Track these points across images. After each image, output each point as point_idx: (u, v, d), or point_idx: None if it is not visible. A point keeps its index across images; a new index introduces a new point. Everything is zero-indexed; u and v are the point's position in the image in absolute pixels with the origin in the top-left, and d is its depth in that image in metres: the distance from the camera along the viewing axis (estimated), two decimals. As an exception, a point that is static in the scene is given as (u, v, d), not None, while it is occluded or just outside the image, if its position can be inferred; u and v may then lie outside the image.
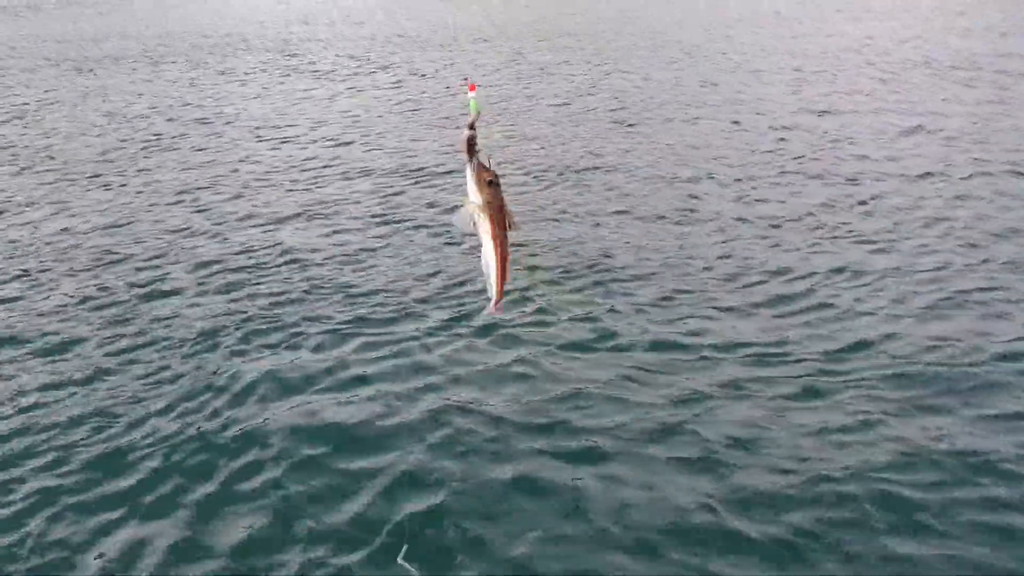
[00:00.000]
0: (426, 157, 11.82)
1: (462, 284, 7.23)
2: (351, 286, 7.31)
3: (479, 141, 3.09)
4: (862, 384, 5.40)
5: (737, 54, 19.76)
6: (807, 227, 8.27)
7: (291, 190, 10.52)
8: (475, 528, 4.29)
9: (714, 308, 6.60)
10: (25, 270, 8.05)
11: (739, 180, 9.97)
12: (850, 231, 8.10)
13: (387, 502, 4.50)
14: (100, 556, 4.23)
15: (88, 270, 8.00)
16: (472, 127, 3.08)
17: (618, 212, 9.07)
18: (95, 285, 7.61)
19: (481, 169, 3.09)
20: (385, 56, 22.74)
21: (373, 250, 8.20)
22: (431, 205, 9.58)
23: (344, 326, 6.53)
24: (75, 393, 5.74)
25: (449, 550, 4.16)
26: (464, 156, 3.10)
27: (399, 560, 4.09)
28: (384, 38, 26.86)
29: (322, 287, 7.34)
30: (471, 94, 3.09)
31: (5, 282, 7.77)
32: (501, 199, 3.14)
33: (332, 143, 13.00)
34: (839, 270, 7.16)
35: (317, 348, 6.21)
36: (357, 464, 4.82)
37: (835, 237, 7.95)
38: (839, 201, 8.99)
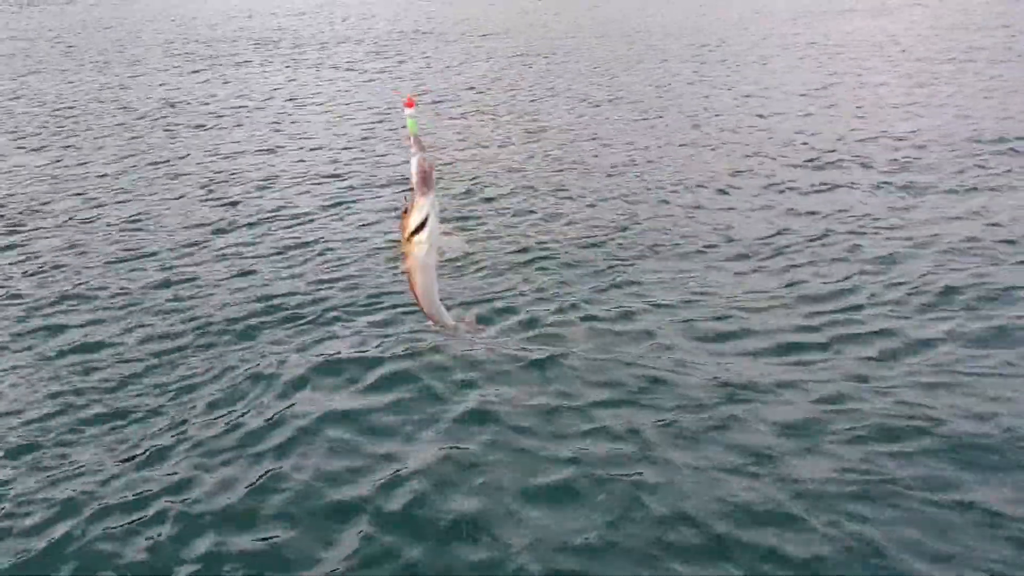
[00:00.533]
0: (450, 151, 11.75)
1: (495, 280, 7.15)
2: (379, 285, 7.19)
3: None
4: (917, 383, 5.31)
5: (756, 51, 19.65)
6: (848, 225, 8.19)
7: (316, 184, 10.43)
8: (531, 526, 4.20)
9: (754, 305, 6.51)
10: (53, 265, 7.96)
11: (773, 176, 9.88)
12: (892, 227, 8.02)
13: (437, 500, 4.41)
14: (134, 553, 4.16)
15: (114, 265, 7.88)
16: (417, 146, 2.63)
17: (649, 208, 8.99)
18: (121, 280, 7.50)
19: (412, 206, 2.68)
20: (400, 51, 22.65)
21: (398, 242, 8.10)
22: (462, 199, 9.51)
23: (374, 327, 6.39)
24: (102, 389, 5.63)
25: (506, 549, 4.07)
26: (417, 184, 2.67)
27: None
28: (397, 33, 26.76)
29: (349, 281, 7.26)
30: (408, 111, 2.62)
31: (33, 276, 7.67)
32: (411, 261, 2.76)
33: (355, 137, 12.92)
34: (884, 268, 7.07)
35: (348, 347, 6.08)
36: (399, 463, 4.71)
37: (877, 232, 7.86)
38: (880, 197, 8.90)
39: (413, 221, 2.67)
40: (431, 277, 2.82)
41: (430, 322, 3.06)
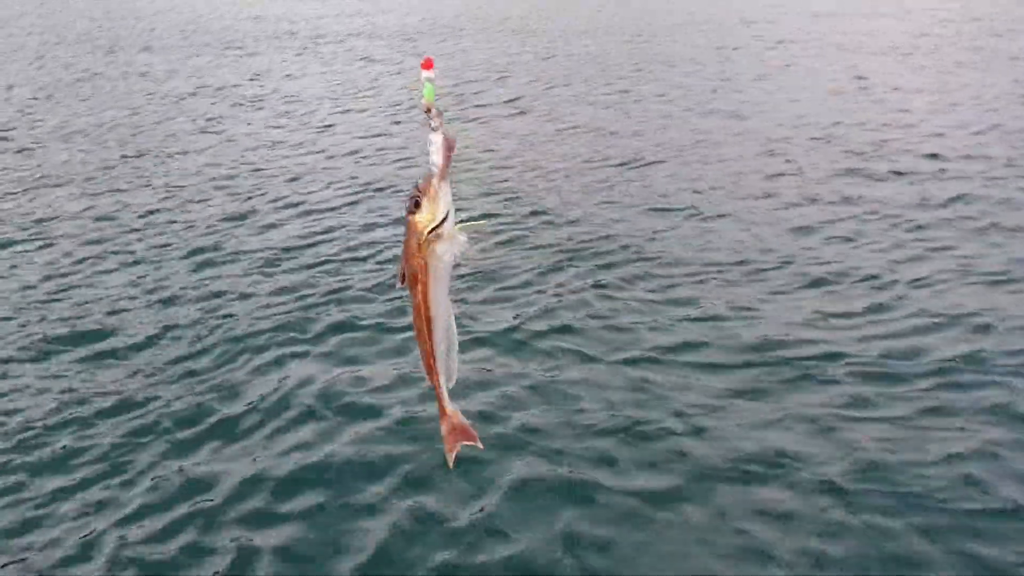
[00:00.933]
0: (472, 148, 11.57)
1: (530, 282, 6.96)
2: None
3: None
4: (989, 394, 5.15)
5: (781, 52, 19.43)
6: (888, 225, 8.00)
7: (336, 176, 10.25)
8: (565, 528, 4.07)
9: (791, 308, 6.33)
10: (73, 258, 7.76)
11: (809, 178, 9.67)
12: (934, 229, 7.82)
13: (470, 503, 4.26)
14: (164, 556, 4.00)
15: (136, 258, 7.69)
16: (430, 114, 2.02)
17: (682, 207, 8.78)
18: (144, 273, 7.32)
19: (419, 191, 2.05)
20: (416, 45, 22.48)
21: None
22: (484, 198, 9.34)
23: (401, 321, 6.19)
24: (124, 387, 5.45)
25: (538, 550, 3.95)
26: (437, 162, 2.04)
27: None
28: (411, 28, 26.58)
29: (375, 273, 7.09)
30: (426, 73, 2.08)
31: (58, 272, 7.47)
32: (418, 248, 2.08)
33: (378, 129, 12.75)
34: (935, 275, 6.87)
35: (376, 343, 5.90)
36: (429, 465, 4.56)
37: (922, 238, 7.67)
38: (922, 198, 8.69)
39: (439, 212, 2.05)
40: (447, 289, 2.17)
41: (427, 363, 2.21)
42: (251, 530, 4.16)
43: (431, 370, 2.20)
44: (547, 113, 13.60)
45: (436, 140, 2.03)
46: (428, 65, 2.08)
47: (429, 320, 2.16)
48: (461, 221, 2.13)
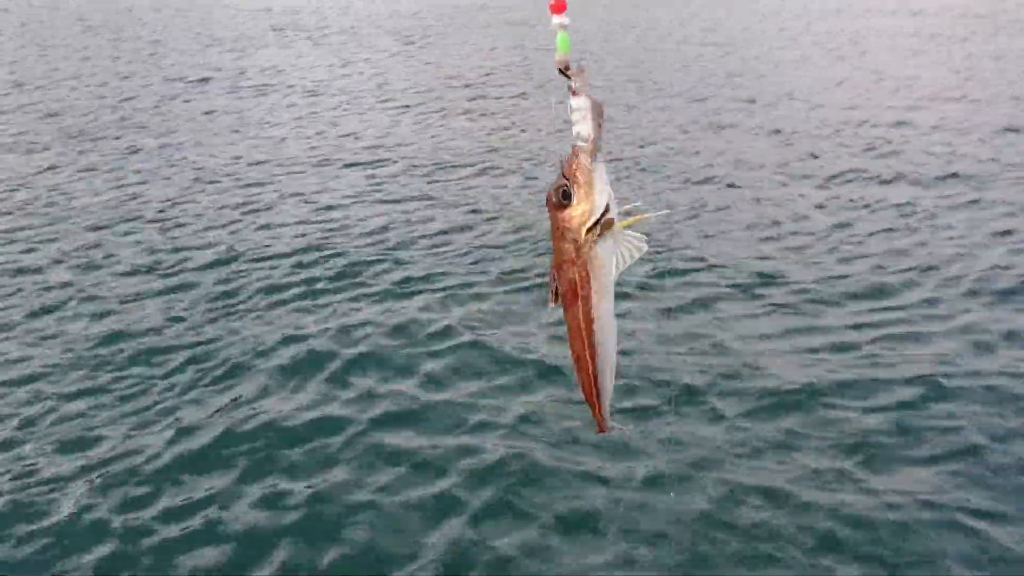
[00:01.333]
0: (485, 139, 11.51)
1: (542, 282, 6.82)
2: (424, 268, 6.92)
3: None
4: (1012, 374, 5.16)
5: (793, 50, 19.42)
6: (914, 226, 7.96)
7: (346, 170, 10.13)
8: (620, 521, 3.99)
9: (827, 293, 6.32)
10: (83, 246, 7.61)
11: (830, 168, 9.66)
12: (957, 231, 7.77)
13: (515, 496, 4.14)
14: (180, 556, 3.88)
15: (150, 248, 7.58)
16: (566, 72, 1.54)
17: (709, 196, 8.72)
18: (156, 264, 7.21)
19: (565, 175, 1.59)
20: (426, 39, 22.42)
21: (446, 233, 7.80)
22: (509, 195, 9.26)
23: (421, 315, 6.07)
24: (145, 378, 5.33)
25: (592, 547, 3.84)
26: (589, 132, 1.56)
27: None
28: (420, 22, 26.49)
29: (389, 266, 7.00)
30: (557, 19, 1.56)
31: (70, 268, 7.29)
32: (576, 252, 1.61)
33: (390, 124, 12.65)
34: (963, 277, 6.71)
35: (394, 336, 5.78)
36: (464, 460, 4.45)
37: (947, 228, 7.64)
38: (949, 199, 8.67)
39: (598, 201, 1.56)
40: (612, 301, 1.72)
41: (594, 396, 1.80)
42: (289, 530, 4.04)
43: (594, 403, 1.78)
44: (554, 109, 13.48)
45: (581, 105, 1.53)
46: (560, 8, 1.53)
47: (593, 343, 1.70)
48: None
